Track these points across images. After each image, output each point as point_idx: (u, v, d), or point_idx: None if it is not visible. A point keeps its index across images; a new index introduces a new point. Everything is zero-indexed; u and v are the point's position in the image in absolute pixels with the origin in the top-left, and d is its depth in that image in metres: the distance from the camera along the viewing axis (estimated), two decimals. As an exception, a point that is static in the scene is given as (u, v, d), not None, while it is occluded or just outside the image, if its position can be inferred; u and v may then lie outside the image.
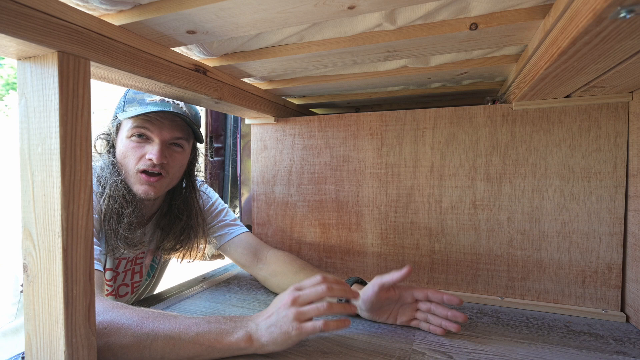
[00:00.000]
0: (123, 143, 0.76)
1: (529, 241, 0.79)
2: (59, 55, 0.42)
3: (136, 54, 0.54)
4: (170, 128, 0.76)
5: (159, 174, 0.76)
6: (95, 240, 0.68)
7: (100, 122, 0.83)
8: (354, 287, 0.73)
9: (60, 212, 0.42)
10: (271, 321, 0.56)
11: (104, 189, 0.74)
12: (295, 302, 0.57)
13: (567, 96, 0.73)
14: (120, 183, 0.75)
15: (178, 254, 0.91)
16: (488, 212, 0.82)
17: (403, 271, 0.63)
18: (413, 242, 0.88)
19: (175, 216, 0.87)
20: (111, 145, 0.79)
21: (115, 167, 0.76)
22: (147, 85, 0.61)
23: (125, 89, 0.78)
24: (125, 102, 0.78)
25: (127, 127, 0.75)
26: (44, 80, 0.42)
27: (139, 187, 0.75)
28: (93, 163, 0.77)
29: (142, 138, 0.75)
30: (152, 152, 0.74)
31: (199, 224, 0.89)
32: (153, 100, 0.76)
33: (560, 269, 0.77)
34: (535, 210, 0.78)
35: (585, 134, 0.74)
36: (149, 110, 0.71)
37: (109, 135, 0.79)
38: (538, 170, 0.78)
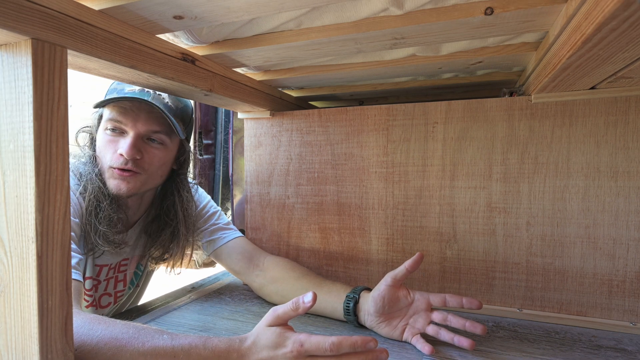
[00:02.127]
0: (101, 136, 0.78)
1: (550, 247, 0.79)
2: (33, 42, 0.42)
3: (118, 41, 0.54)
4: (147, 120, 0.75)
5: (132, 171, 0.76)
6: (74, 247, 0.68)
7: (78, 116, 0.84)
8: (363, 293, 0.72)
9: (35, 215, 0.42)
10: None
11: (86, 184, 0.76)
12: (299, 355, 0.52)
13: (592, 88, 0.73)
14: (96, 176, 0.77)
15: (166, 263, 0.91)
16: (505, 216, 0.82)
17: (414, 258, 0.65)
18: (422, 249, 0.88)
19: (164, 222, 0.87)
20: (93, 139, 0.81)
21: (94, 160, 0.78)
22: (130, 75, 0.61)
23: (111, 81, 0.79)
24: (107, 94, 0.79)
25: (104, 119, 0.77)
26: (16, 71, 0.42)
27: (112, 182, 0.76)
28: (73, 159, 0.79)
29: (116, 132, 0.76)
30: (122, 146, 0.74)
31: (190, 230, 0.89)
32: (132, 90, 0.76)
33: (584, 278, 0.77)
34: (557, 213, 0.78)
35: (611, 130, 0.74)
36: (120, 96, 0.72)
37: (92, 128, 0.81)
38: (560, 169, 0.78)
